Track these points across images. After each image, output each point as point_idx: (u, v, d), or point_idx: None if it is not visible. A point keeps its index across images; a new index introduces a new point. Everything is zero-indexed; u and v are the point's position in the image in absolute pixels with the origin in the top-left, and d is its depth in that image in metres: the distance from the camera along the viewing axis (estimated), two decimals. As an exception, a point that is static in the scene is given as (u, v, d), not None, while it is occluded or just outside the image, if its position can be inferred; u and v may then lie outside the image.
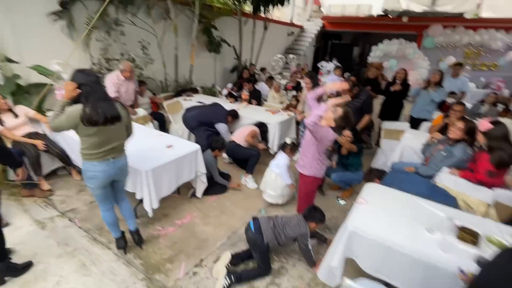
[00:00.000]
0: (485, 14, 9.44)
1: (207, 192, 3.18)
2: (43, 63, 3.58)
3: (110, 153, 1.96)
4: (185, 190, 3.25)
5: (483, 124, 2.18)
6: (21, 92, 3.51)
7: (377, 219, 1.77)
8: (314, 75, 4.03)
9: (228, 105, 4.80)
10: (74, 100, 1.80)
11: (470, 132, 2.56)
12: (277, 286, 2.11)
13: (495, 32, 8.95)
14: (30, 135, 3.13)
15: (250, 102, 4.92)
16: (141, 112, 3.96)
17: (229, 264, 2.16)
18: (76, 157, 3.23)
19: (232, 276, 2.04)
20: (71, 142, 3.16)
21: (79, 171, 3.51)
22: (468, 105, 5.60)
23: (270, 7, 7.14)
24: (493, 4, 9.26)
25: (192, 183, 3.15)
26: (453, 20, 9.52)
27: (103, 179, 1.99)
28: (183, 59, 5.73)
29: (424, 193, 2.09)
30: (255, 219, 2.19)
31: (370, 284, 1.22)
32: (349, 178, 3.21)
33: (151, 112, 4.51)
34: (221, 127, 3.91)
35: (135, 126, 3.54)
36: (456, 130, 2.58)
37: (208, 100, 5.12)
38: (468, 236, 1.62)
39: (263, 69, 7.97)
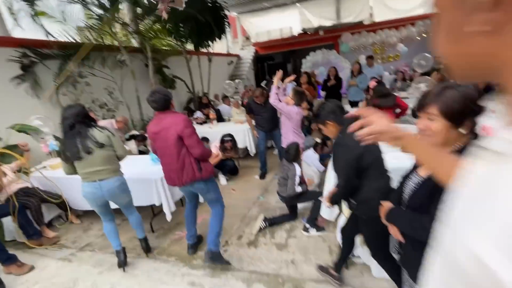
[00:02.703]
0: (377, 19, 11.87)
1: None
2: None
3: (95, 175, 2.16)
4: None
5: (372, 83, 3.19)
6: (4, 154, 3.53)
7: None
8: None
9: (198, 126, 5.34)
10: None
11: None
12: (294, 238, 2.63)
13: (389, 31, 11.30)
14: (23, 190, 3.20)
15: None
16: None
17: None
18: (74, 200, 3.35)
19: (266, 221, 2.72)
20: (67, 185, 3.28)
21: (78, 215, 3.60)
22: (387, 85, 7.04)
23: (210, 42, 8.08)
24: (379, 11, 11.77)
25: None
26: (357, 27, 11.75)
27: (92, 199, 2.23)
28: (144, 99, 6.12)
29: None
30: (278, 192, 2.88)
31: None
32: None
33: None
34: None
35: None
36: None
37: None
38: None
39: (216, 96, 8.71)
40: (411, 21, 11.06)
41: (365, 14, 12.06)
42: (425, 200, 0.94)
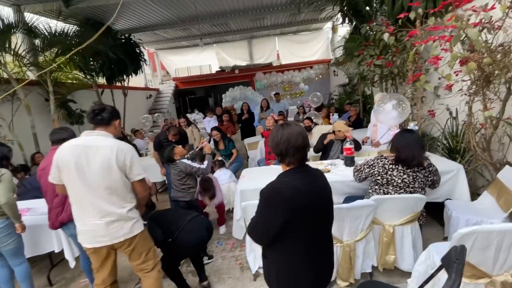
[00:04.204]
0: (283, 61, 13.89)
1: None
2: None
3: None
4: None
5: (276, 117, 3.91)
6: None
7: (253, 182, 2.86)
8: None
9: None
10: None
11: None
12: (209, 263, 2.76)
13: (293, 72, 13.30)
14: None
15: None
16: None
17: None
18: None
19: None
20: None
21: None
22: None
23: (125, 77, 7.93)
24: (285, 56, 13.88)
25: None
26: (267, 68, 13.42)
27: None
28: (43, 137, 5.45)
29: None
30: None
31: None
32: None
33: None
34: None
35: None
36: None
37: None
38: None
39: (135, 131, 8.35)
40: (310, 65, 13.36)
41: (273, 57, 13.99)
42: None
